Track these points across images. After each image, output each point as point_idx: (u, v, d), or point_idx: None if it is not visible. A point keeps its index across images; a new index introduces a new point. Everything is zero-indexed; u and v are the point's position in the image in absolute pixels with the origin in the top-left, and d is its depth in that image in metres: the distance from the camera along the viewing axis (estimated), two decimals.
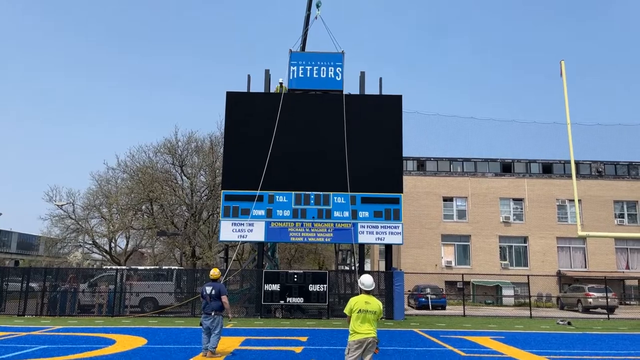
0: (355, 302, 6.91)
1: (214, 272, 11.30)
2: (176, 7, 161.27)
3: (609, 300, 25.59)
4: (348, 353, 6.81)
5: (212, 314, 10.69)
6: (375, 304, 6.93)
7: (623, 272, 36.43)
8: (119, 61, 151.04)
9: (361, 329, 6.77)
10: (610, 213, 37.76)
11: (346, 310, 7.01)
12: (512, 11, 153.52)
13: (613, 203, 38.10)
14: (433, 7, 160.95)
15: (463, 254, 37.53)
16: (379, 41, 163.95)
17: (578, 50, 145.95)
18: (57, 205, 34.63)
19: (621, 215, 38.22)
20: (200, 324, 10.87)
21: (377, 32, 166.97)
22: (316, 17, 23.77)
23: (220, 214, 21.49)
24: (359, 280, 7.22)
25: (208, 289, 10.86)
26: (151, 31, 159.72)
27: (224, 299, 10.79)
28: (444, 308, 28.14)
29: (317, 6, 23.63)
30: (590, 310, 27.18)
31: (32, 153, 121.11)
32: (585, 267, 36.95)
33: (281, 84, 22.41)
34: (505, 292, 33.53)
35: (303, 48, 24.73)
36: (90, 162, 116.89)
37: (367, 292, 7.03)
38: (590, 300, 27.25)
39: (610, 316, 24.29)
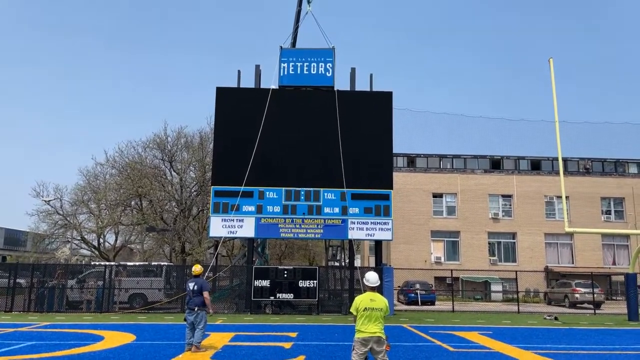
0: (361, 301, 6.90)
1: (196, 268, 11.31)
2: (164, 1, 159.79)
3: (595, 295, 25.93)
4: (353, 350, 6.86)
5: (195, 309, 10.73)
6: (381, 301, 6.93)
7: (610, 267, 36.90)
8: (108, 56, 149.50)
9: (366, 328, 6.78)
10: (598, 209, 38.19)
11: (352, 310, 7.00)
12: (503, 10, 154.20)
13: (600, 200, 38.54)
14: (426, 5, 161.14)
15: (452, 250, 37.78)
16: (371, 38, 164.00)
17: (568, 49, 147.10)
18: (45, 201, 34.29)
19: (608, 212, 38.68)
20: (185, 320, 10.90)
21: (369, 29, 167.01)
22: (307, 13, 23.73)
23: (210, 210, 21.43)
24: (364, 278, 7.21)
25: (191, 285, 10.95)
26: (140, 26, 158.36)
27: (205, 294, 10.79)
28: (433, 304, 28.32)
29: (308, 2, 23.58)
30: (577, 305, 27.52)
31: (19, 148, 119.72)
32: (573, 263, 37.37)
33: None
34: (493, 287, 33.83)
35: (294, 44, 24.67)
36: (79, 158, 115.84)
37: (372, 289, 7.03)
38: (577, 295, 27.58)
39: (597, 311, 24.60)
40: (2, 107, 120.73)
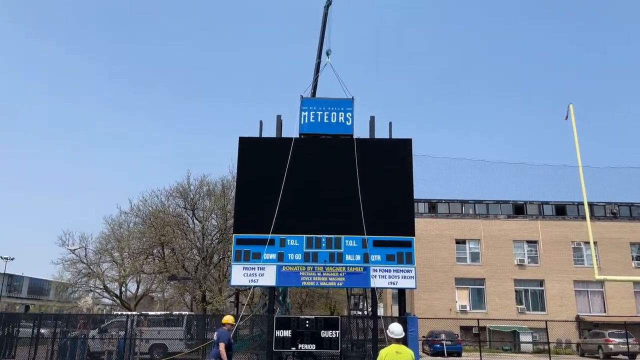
0: (386, 354, 6.74)
1: (225, 319, 11.07)
2: (189, 49, 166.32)
3: (630, 345, 24.84)
4: None
5: None
6: (407, 353, 6.76)
7: None
8: (135, 105, 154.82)
9: None
10: (627, 255, 37.08)
11: None
12: (523, 52, 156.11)
13: (630, 245, 37.45)
14: (443, 52, 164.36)
15: (478, 298, 36.81)
16: (389, 84, 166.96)
17: (589, 90, 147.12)
18: (70, 250, 34.78)
19: (638, 258, 37.47)
20: None
21: (387, 76, 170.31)
22: (326, 64, 24.41)
23: (232, 258, 21.41)
24: (388, 329, 7.06)
25: (214, 335, 10.73)
26: (165, 75, 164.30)
27: (221, 347, 10.51)
28: (459, 354, 27.41)
29: (327, 54, 24.34)
30: (611, 356, 26.38)
31: (46, 197, 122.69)
32: (605, 312, 36.00)
33: None
34: (522, 337, 32.64)
35: (314, 94, 25.24)
36: (104, 206, 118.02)
37: (397, 341, 6.86)
38: (611, 346, 26.47)
39: None
40: (28, 153, 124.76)
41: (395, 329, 6.93)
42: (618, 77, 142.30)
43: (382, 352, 6.82)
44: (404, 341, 7.08)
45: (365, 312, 25.74)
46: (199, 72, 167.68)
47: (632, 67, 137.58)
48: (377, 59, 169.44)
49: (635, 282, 35.76)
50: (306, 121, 22.64)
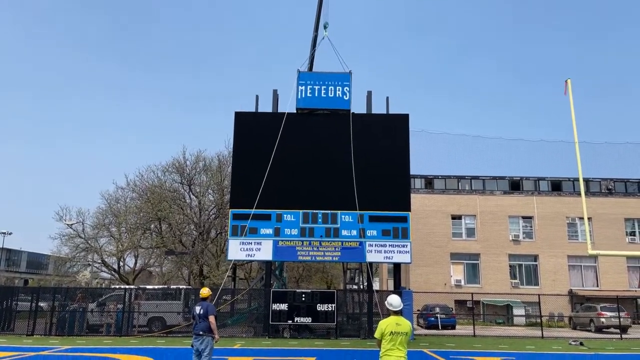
0: (387, 325, 6.79)
1: (204, 291, 10.91)
2: (184, 25, 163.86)
3: (621, 319, 25.23)
4: None
5: (201, 333, 10.39)
6: (406, 325, 6.83)
7: (635, 290, 35.92)
8: (128, 82, 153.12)
9: (392, 352, 6.67)
10: (622, 231, 37.35)
11: (377, 335, 6.89)
12: (522, 29, 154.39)
13: (624, 221, 37.71)
14: (443, 25, 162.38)
15: (472, 273, 37.18)
16: (387, 57, 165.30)
17: (587, 67, 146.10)
18: (67, 225, 34.87)
19: (632, 233, 37.79)
20: (192, 345, 10.63)
21: (386, 49, 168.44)
22: (323, 38, 24.08)
23: (229, 233, 21.53)
24: (386, 301, 7.10)
25: (197, 309, 10.57)
26: (159, 50, 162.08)
27: (211, 319, 10.42)
28: (453, 328, 27.79)
29: (325, 27, 23.96)
30: (603, 330, 26.77)
31: (43, 173, 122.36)
32: (597, 286, 36.46)
33: None
34: (516, 311, 33.09)
35: (310, 68, 24.97)
36: (100, 182, 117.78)
37: (396, 313, 6.92)
38: (602, 319, 26.85)
39: (623, 336, 23.90)
40: (24, 129, 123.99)
41: (394, 301, 6.97)
42: (616, 53, 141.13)
43: (382, 324, 6.87)
44: (401, 313, 7.12)
45: (361, 286, 26.05)
46: (194, 46, 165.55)
47: (631, 44, 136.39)
48: (377, 32, 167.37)
49: (628, 257, 36.15)
50: (303, 96, 22.46)
